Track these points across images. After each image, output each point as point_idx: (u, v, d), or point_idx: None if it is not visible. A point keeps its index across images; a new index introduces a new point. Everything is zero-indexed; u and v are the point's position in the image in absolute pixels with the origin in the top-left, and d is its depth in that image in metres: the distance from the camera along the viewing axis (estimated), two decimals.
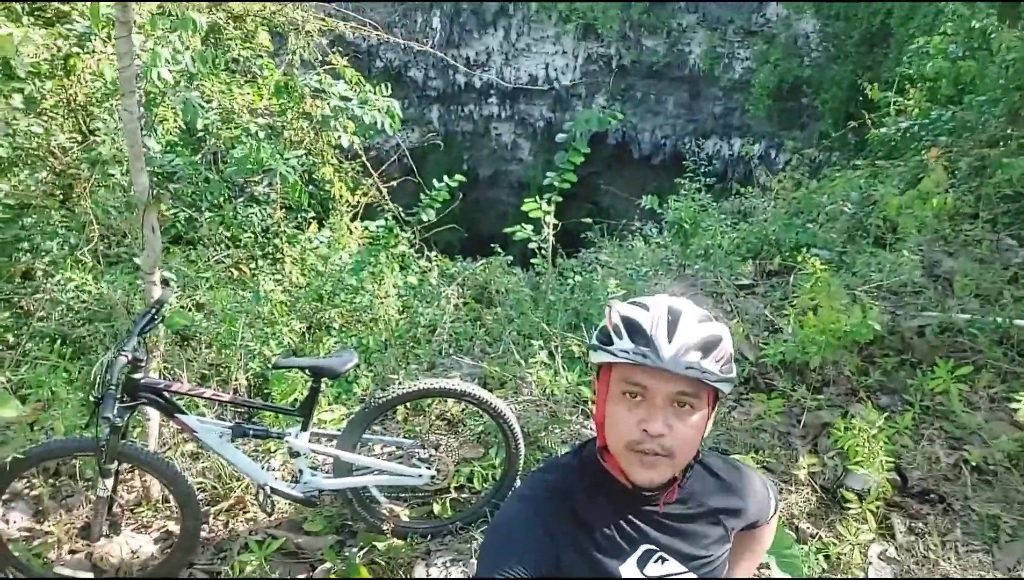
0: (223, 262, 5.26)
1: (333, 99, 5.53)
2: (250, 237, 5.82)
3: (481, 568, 1.26)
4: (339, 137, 5.63)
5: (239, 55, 5.95)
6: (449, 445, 3.12)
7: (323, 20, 5.78)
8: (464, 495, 3.17)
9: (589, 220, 6.31)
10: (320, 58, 5.99)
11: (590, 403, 3.60)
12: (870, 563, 2.78)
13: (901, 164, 5.43)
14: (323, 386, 2.79)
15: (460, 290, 5.78)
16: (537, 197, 5.43)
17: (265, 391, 3.56)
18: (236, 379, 3.53)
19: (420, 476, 2.90)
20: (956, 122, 5.28)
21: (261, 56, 6.07)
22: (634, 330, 1.23)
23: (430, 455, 2.92)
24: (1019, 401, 3.27)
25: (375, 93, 5.62)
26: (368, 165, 6.02)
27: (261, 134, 5.73)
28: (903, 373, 3.65)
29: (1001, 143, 4.80)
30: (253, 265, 5.59)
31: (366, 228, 6.25)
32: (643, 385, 1.22)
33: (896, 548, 2.85)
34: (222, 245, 5.57)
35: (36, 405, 3.28)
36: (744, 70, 20.64)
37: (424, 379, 2.90)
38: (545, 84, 21.12)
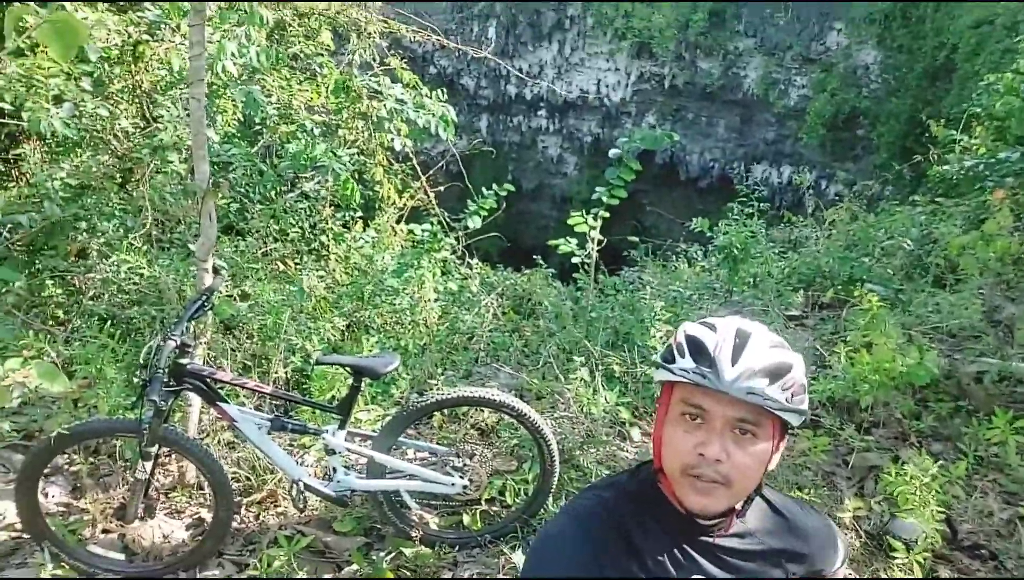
0: (270, 255, 5.33)
1: (389, 101, 5.59)
2: (297, 232, 5.89)
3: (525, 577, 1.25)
4: (392, 139, 5.68)
5: (301, 52, 6.06)
6: (483, 456, 3.09)
7: (385, 22, 5.85)
8: (495, 508, 3.12)
9: (635, 238, 6.23)
10: (378, 60, 6.06)
11: (627, 425, 3.53)
12: None
13: (963, 203, 5.25)
14: (363, 386, 2.78)
15: (499, 300, 5.76)
16: (583, 212, 5.39)
17: (304, 386, 3.57)
18: (276, 372, 3.55)
19: (453, 485, 2.86)
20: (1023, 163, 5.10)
21: (322, 54, 6.17)
22: (697, 350, 1.19)
23: (464, 464, 2.88)
24: None
25: (431, 98, 5.66)
26: (417, 168, 6.05)
27: (316, 131, 5.81)
28: (958, 420, 3.50)
29: None
30: (298, 260, 5.66)
31: (411, 231, 6.28)
32: (703, 407, 1.17)
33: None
34: (270, 238, 5.64)
35: (82, 382, 3.34)
36: (799, 97, 20.35)
37: (463, 387, 2.87)
38: (596, 100, 21.09)
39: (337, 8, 5.90)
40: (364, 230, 6.23)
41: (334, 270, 5.65)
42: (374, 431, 2.92)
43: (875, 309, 3.38)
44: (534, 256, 6.07)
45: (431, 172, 6.48)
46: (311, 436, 2.86)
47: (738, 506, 1.24)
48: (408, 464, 2.85)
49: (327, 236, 5.91)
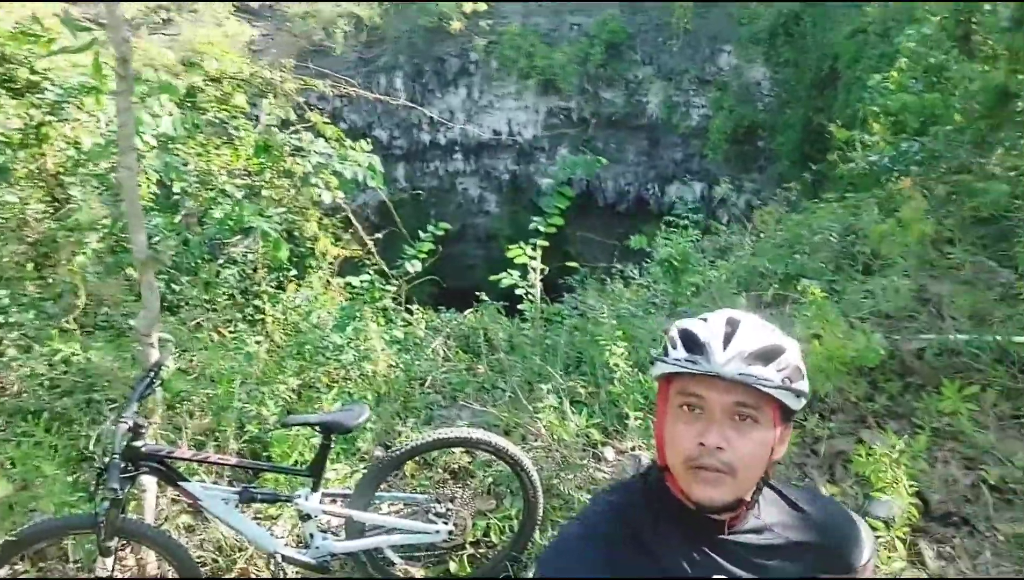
0: (204, 326, 5.13)
1: (314, 156, 5.53)
2: (228, 300, 5.70)
3: None
4: (320, 194, 5.60)
5: (215, 117, 5.94)
6: (464, 498, 3.00)
7: (302, 80, 5.82)
8: (481, 550, 3.04)
9: (575, 265, 6.32)
10: (296, 117, 6.01)
11: (599, 446, 3.53)
12: None
13: (873, 196, 5.58)
14: (333, 443, 2.67)
15: (447, 341, 5.71)
16: (521, 244, 5.44)
17: (263, 454, 3.41)
18: (230, 443, 3.37)
19: (438, 532, 2.77)
20: (925, 153, 5.47)
21: (237, 117, 6.07)
22: (690, 340, 1.19)
23: (447, 509, 2.80)
24: (1023, 418, 3.29)
25: (355, 149, 5.64)
26: (352, 218, 5.98)
27: (239, 194, 5.68)
28: (908, 397, 3.66)
29: (970, 170, 4.97)
30: (232, 327, 5.46)
31: (348, 284, 6.19)
32: (699, 394, 1.15)
33: (928, 574, 2.79)
34: (199, 308, 5.43)
35: (16, 485, 3.08)
36: (700, 117, 21.30)
37: (438, 430, 2.80)
38: (509, 138, 21.48)
39: (249, 70, 5.83)
40: (298, 289, 6.09)
41: (272, 333, 5.48)
42: (348, 489, 2.81)
43: (819, 301, 3.51)
44: (478, 293, 6.06)
45: (356, 224, 6.40)
46: (283, 504, 2.72)
47: (747, 497, 1.20)
48: (389, 518, 2.75)
49: (261, 299, 5.74)
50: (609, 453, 3.47)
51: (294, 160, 5.68)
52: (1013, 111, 4.91)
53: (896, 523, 2.84)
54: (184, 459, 2.51)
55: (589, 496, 3.13)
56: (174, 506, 3.16)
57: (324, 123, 5.82)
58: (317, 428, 2.61)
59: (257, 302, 5.79)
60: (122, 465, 2.27)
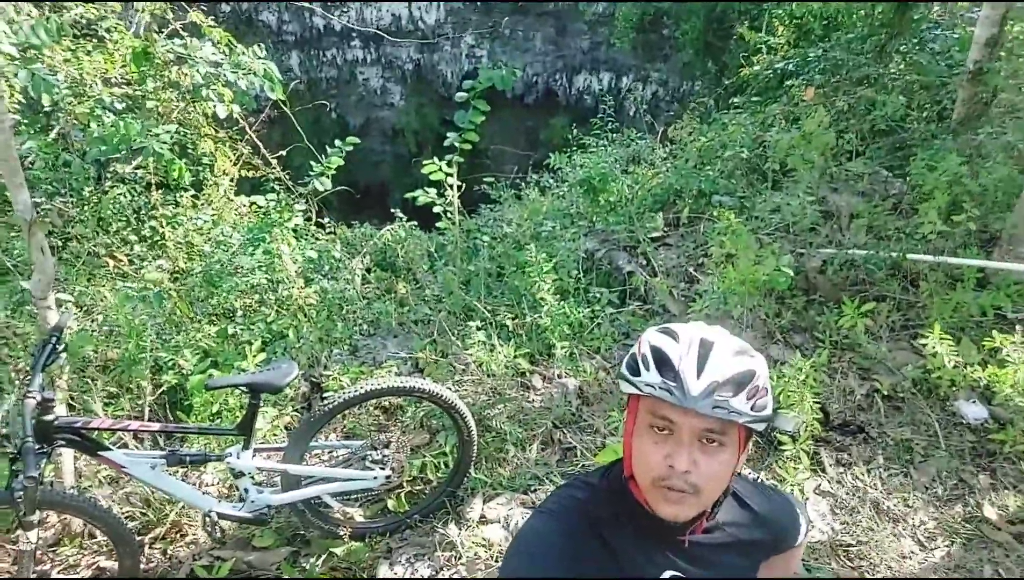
0: (96, 254, 4.77)
1: (202, 65, 5.03)
2: (122, 223, 5.30)
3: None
4: (214, 106, 5.15)
5: (82, 17, 5.26)
6: (400, 441, 3.03)
7: None
8: (418, 487, 3.11)
9: (491, 178, 6.20)
10: (170, 15, 5.40)
11: (527, 375, 3.61)
12: (807, 499, 3.01)
13: (778, 103, 5.68)
14: (261, 402, 2.60)
15: (363, 260, 5.58)
16: (435, 159, 5.26)
17: (185, 406, 3.28)
18: (146, 397, 3.23)
19: (375, 478, 2.80)
20: (828, 61, 5.57)
21: (106, 16, 5.41)
22: (662, 362, 1.20)
23: (383, 455, 2.82)
24: (914, 328, 3.59)
25: (249, 55, 5.16)
26: (253, 136, 5.57)
27: (119, 106, 5.16)
28: (812, 312, 3.91)
29: (871, 81, 5.12)
30: (129, 251, 5.11)
31: (253, 203, 5.86)
32: (670, 419, 1.19)
33: (828, 481, 3.09)
34: (90, 235, 5.03)
35: None
36: (607, 4, 20.76)
37: (370, 380, 2.77)
38: (410, 24, 20.32)
39: None
40: (195, 208, 5.71)
41: (176, 258, 5.17)
42: (281, 443, 2.77)
43: (732, 224, 3.62)
44: (365, 196, 5.87)
45: (258, 143, 5.97)
46: (213, 462, 2.66)
47: (708, 510, 1.27)
48: (326, 469, 2.75)
49: (160, 222, 5.36)
50: (537, 381, 3.56)
51: (179, 70, 5.17)
52: (911, 19, 5.04)
53: (800, 437, 3.11)
54: (103, 429, 2.38)
55: (520, 430, 3.24)
56: (94, 465, 3.04)
57: (209, 26, 5.27)
58: (244, 389, 2.53)
59: (153, 224, 5.42)
60: (36, 447, 2.13)
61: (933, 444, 3.25)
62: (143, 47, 5.05)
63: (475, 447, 2.95)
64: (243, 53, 5.15)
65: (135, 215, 5.44)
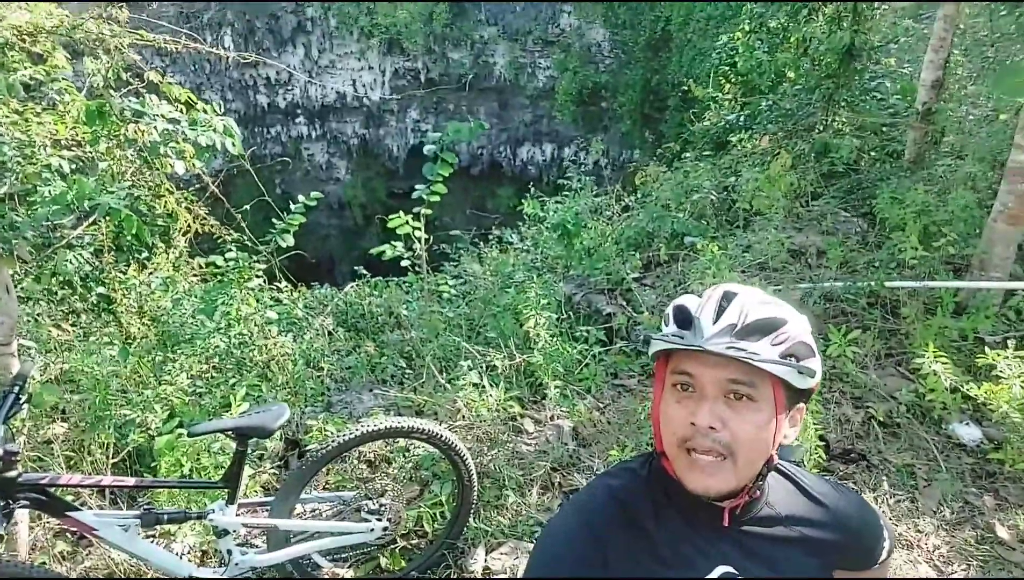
0: (40, 322, 4.45)
1: (159, 122, 4.90)
2: (66, 290, 5.00)
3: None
4: (172, 164, 5.00)
5: (31, 79, 5.09)
6: (395, 490, 2.82)
7: (138, 34, 5.09)
8: (413, 541, 2.88)
9: (457, 232, 6.16)
10: (129, 77, 5.29)
11: (519, 418, 3.46)
12: None
13: (729, 154, 5.88)
14: (248, 449, 2.38)
15: (326, 319, 5.39)
16: (401, 213, 5.20)
17: (150, 466, 2.99)
18: (108, 457, 2.94)
19: (372, 530, 2.58)
20: (778, 111, 5.82)
21: (57, 80, 5.25)
22: (681, 314, 1.11)
23: (379, 505, 2.61)
24: (899, 355, 3.62)
25: (208, 112, 5.07)
26: (217, 192, 5.41)
27: (67, 168, 4.94)
28: None
29: (823, 127, 5.36)
30: (75, 321, 4.80)
31: (211, 264, 5.65)
32: (690, 372, 1.08)
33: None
34: (34, 302, 4.72)
35: None
36: (547, 78, 21.58)
37: (363, 422, 2.58)
38: (355, 100, 20.61)
39: (71, 23, 5.00)
40: (141, 272, 5.46)
41: (128, 325, 4.87)
42: (266, 497, 2.54)
43: (716, 256, 3.63)
44: (315, 268, 5.75)
45: (220, 196, 5.82)
46: (194, 521, 2.40)
47: (749, 484, 1.10)
48: (319, 523, 2.52)
49: (109, 286, 5.08)
50: (529, 424, 3.41)
51: (136, 127, 5.01)
52: (855, 69, 5.34)
53: (806, 466, 3.03)
54: (71, 486, 2.12)
55: (521, 473, 3.07)
56: (46, 533, 2.71)
57: (168, 84, 5.17)
58: (230, 435, 2.31)
59: (101, 289, 5.13)
60: (0, 504, 1.87)
61: (934, 468, 3.22)
62: (97, 105, 4.89)
63: (475, 493, 2.76)
64: (203, 109, 5.06)
65: (82, 282, 5.15)
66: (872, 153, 5.18)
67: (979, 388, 3.03)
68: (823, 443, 3.23)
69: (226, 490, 2.34)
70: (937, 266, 3.82)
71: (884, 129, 5.27)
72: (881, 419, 3.35)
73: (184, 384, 3.26)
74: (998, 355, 3.01)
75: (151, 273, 5.56)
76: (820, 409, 3.41)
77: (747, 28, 7.65)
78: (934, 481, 3.13)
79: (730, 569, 1.12)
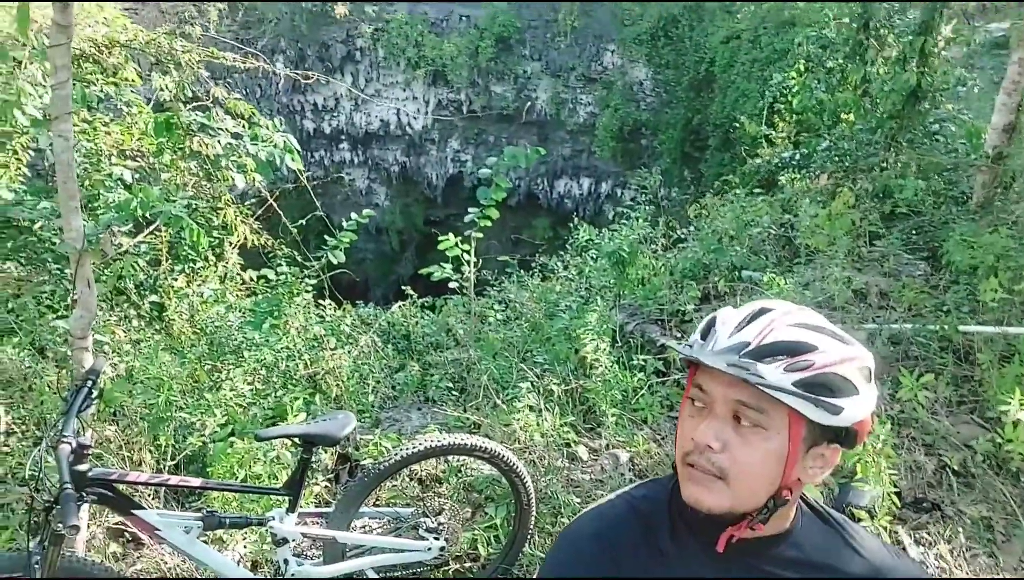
0: (97, 327, 4.51)
1: (223, 136, 5.01)
2: (119, 296, 5.07)
3: None
4: (233, 177, 5.09)
5: (102, 91, 5.25)
6: (453, 509, 2.76)
7: (211, 52, 5.24)
8: (467, 564, 2.80)
9: (506, 257, 6.15)
10: (197, 93, 5.44)
11: (573, 445, 3.38)
12: None
13: (803, 190, 5.80)
14: (313, 457, 2.34)
15: (375, 338, 5.39)
16: (451, 234, 5.23)
17: (207, 471, 2.97)
18: (168, 459, 2.93)
19: (429, 549, 2.51)
20: (837, 151, 5.74)
21: (124, 92, 5.41)
22: (707, 325, 1.06)
23: (438, 523, 2.54)
24: (971, 402, 3.47)
25: (269, 128, 5.17)
26: (274, 204, 5.50)
27: (129, 177, 5.05)
28: None
29: (884, 167, 5.26)
30: (127, 326, 4.86)
31: (263, 277, 5.72)
32: (702, 387, 1.03)
33: (912, 562, 2.86)
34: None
35: None
36: (587, 114, 21.74)
37: (427, 436, 2.53)
38: (398, 129, 20.96)
39: (145, 39, 5.16)
40: (194, 284, 5.53)
41: (180, 333, 4.92)
42: (325, 507, 2.49)
43: (782, 289, 3.54)
44: (353, 290, 5.77)
45: (279, 211, 5.91)
46: (254, 527, 2.36)
47: (749, 511, 1.02)
48: (378, 538, 2.46)
49: (162, 294, 5.15)
50: (583, 452, 3.33)
51: (200, 140, 5.13)
52: (919, 111, 5.26)
53: (878, 513, 2.89)
54: (139, 483, 2.10)
55: (577, 499, 2.98)
56: (98, 533, 2.69)
57: (235, 100, 5.30)
58: (296, 441, 2.28)
59: (154, 297, 5.20)
60: (76, 494, 1.84)
61: (1012, 522, 3.06)
62: (166, 117, 5.01)
63: (533, 516, 2.69)
64: (264, 125, 5.16)
65: (136, 290, 5.22)
66: (936, 196, 5.07)
67: None
68: (896, 491, 3.09)
69: (287, 498, 2.30)
70: (1016, 311, 3.68)
71: (948, 172, 5.17)
72: (955, 468, 3.20)
73: (243, 390, 3.25)
74: None
75: (200, 284, 5.63)
76: (892, 453, 3.27)
77: (802, 67, 7.62)
78: (1013, 536, 2.96)
79: None
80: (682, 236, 5.54)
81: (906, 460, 3.28)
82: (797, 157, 6.12)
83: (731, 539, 1.04)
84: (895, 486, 3.12)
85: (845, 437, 1.02)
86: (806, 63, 7.53)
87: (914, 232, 4.89)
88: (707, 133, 18.32)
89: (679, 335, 4.23)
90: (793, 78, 7.40)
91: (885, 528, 2.85)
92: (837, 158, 5.58)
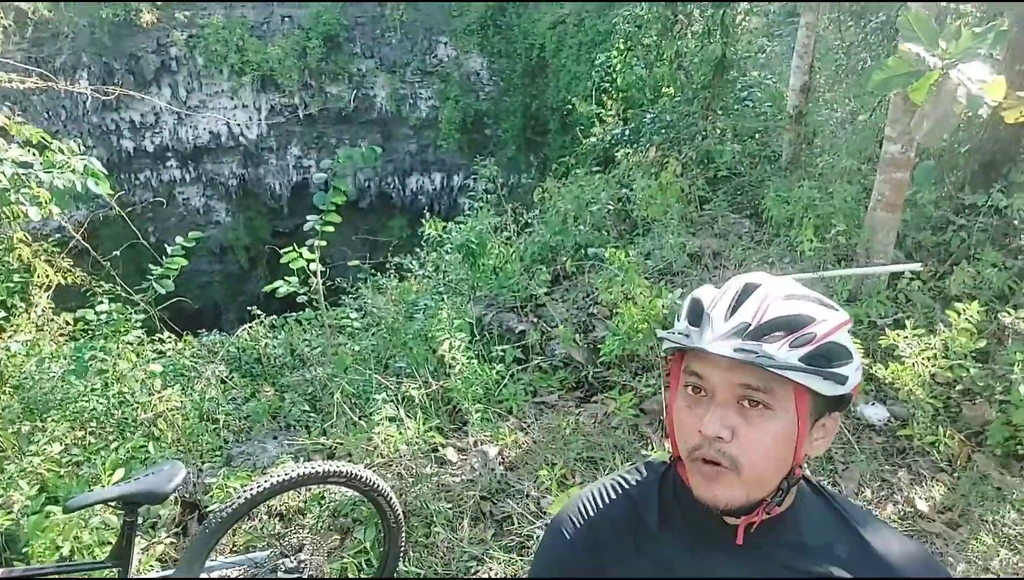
0: None
1: (7, 166, 4.42)
2: None
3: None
4: (26, 212, 4.51)
5: None
6: (314, 543, 2.57)
7: None
8: None
9: (357, 262, 5.92)
10: None
11: (441, 449, 3.28)
12: None
13: (617, 167, 6.01)
14: (140, 517, 2.08)
15: (216, 368, 5.01)
16: (294, 246, 4.96)
17: (23, 550, 2.59)
18: None
19: None
20: (661, 123, 6.01)
21: None
22: (695, 308, 1.00)
23: (298, 562, 2.35)
24: None
25: (67, 152, 4.63)
26: (79, 238, 4.94)
27: None
28: None
29: (702, 135, 5.56)
30: None
31: (80, 319, 5.14)
32: (699, 374, 0.97)
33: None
34: None
35: None
36: (429, 108, 21.62)
37: (275, 471, 2.33)
38: (230, 140, 19.79)
39: None
40: (5, 335, 4.89)
41: None
42: (166, 568, 2.23)
43: (624, 263, 3.62)
44: (263, 310, 5.41)
45: (84, 244, 5.31)
46: None
47: (767, 498, 0.98)
48: None
49: None
50: (452, 454, 3.24)
51: None
52: (727, 80, 5.60)
53: None
54: None
55: (448, 505, 2.89)
56: None
57: (17, 124, 4.70)
58: (115, 504, 2.01)
59: None
60: None
61: (849, 450, 3.31)
62: None
63: (403, 534, 2.56)
64: (58, 150, 4.61)
65: None
66: (752, 157, 5.43)
67: (886, 369, 3.14)
68: None
69: (116, 568, 2.03)
70: (828, 257, 3.99)
71: (759, 134, 5.55)
72: None
73: (55, 454, 2.86)
74: (898, 335, 3.14)
75: (10, 336, 4.97)
76: None
77: (622, 46, 7.90)
78: (851, 463, 3.20)
79: None
80: (529, 221, 5.58)
81: None
82: (627, 133, 6.34)
83: (749, 527, 0.99)
84: None
85: (842, 403, 1.00)
86: (625, 42, 7.81)
87: (737, 193, 5.21)
88: (546, 117, 18.78)
89: (535, 320, 4.24)
90: (615, 57, 7.66)
91: None
92: (663, 130, 5.84)
